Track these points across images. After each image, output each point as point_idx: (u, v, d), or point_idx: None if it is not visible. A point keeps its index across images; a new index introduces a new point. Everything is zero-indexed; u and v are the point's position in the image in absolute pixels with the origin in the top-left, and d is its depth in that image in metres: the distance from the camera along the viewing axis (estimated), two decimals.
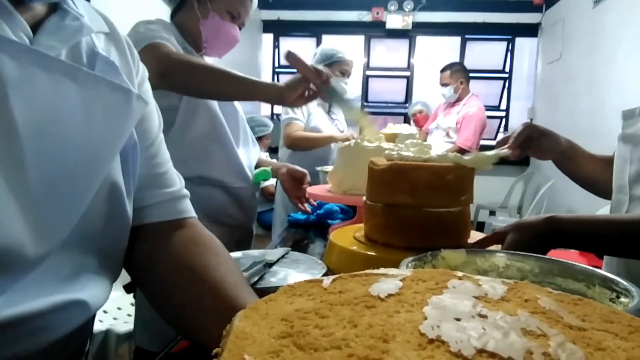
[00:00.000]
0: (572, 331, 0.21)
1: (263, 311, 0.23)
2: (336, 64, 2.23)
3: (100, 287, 0.49)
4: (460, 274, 0.27)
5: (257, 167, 1.47)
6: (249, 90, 1.16)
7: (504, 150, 0.92)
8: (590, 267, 0.60)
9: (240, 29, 1.35)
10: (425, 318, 0.21)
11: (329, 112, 2.35)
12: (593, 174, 0.99)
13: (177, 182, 0.62)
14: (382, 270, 0.27)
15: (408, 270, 0.27)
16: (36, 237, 0.39)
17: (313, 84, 1.16)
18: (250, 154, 1.41)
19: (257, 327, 0.21)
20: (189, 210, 0.62)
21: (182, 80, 1.09)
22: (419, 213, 0.77)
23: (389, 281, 0.25)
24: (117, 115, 0.45)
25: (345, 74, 2.26)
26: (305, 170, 1.49)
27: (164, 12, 1.35)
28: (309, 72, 1.15)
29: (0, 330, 0.38)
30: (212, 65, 1.13)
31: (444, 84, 3.45)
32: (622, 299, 0.53)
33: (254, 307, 0.23)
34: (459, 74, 3.43)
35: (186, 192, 0.63)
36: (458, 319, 0.20)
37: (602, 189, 0.97)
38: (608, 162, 0.94)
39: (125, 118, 0.46)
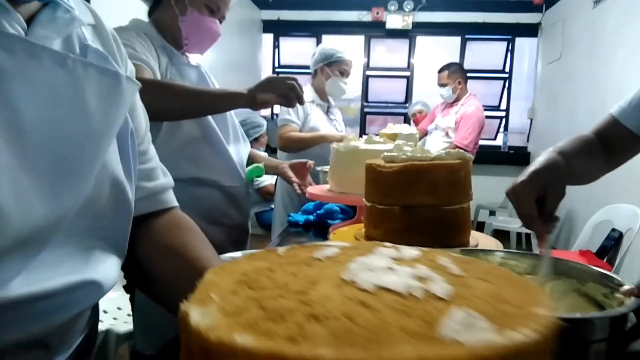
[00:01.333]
0: (452, 277, 0.28)
1: (228, 269, 0.30)
2: (335, 64, 2.22)
3: (110, 268, 0.52)
4: (390, 245, 0.34)
5: (250, 163, 1.46)
6: (225, 102, 1.19)
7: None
8: (584, 265, 0.61)
9: (220, 22, 1.31)
10: (347, 270, 0.28)
11: (327, 113, 2.35)
12: (591, 167, 0.88)
13: (162, 175, 0.67)
14: (328, 243, 0.34)
15: (349, 243, 0.35)
16: (46, 207, 0.41)
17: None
18: (240, 151, 1.39)
19: (222, 279, 0.28)
20: (172, 200, 0.68)
21: (165, 107, 1.11)
22: (438, 212, 0.77)
23: (330, 249, 0.33)
24: (109, 97, 0.47)
25: (344, 73, 2.25)
26: (305, 160, 1.56)
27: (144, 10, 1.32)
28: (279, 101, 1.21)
29: (19, 308, 0.41)
30: (187, 87, 1.15)
31: (441, 85, 3.45)
32: (617, 295, 0.54)
33: (221, 266, 0.31)
34: (456, 74, 3.42)
35: (171, 183, 0.68)
36: (371, 270, 0.28)
37: (602, 168, 0.89)
38: (587, 141, 0.87)
39: (117, 100, 0.49)
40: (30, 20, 0.44)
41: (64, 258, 0.46)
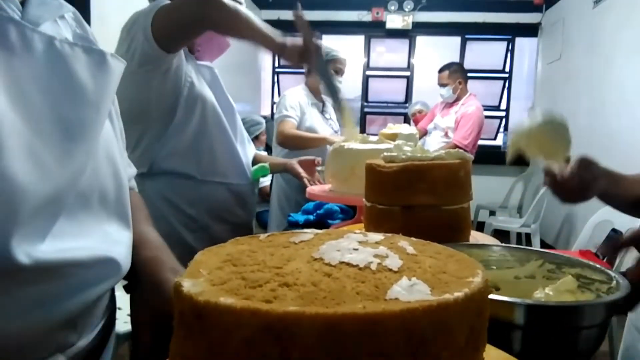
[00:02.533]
0: (406, 255, 0.32)
1: (215, 251, 0.34)
2: (330, 63, 2.21)
3: (125, 249, 0.57)
4: (359, 231, 0.37)
5: (254, 163, 1.49)
6: (262, 36, 1.19)
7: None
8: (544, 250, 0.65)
9: None
10: (318, 250, 0.32)
11: (322, 112, 2.35)
12: None
13: (128, 166, 0.74)
14: (305, 230, 0.39)
15: (324, 231, 0.39)
16: (59, 167, 0.46)
17: (306, 47, 1.22)
18: (246, 151, 1.43)
19: (210, 258, 0.32)
20: (134, 186, 0.79)
21: (228, 19, 1.15)
22: (438, 212, 0.78)
23: (306, 235, 0.37)
24: (98, 71, 0.53)
25: (339, 72, 2.24)
26: (313, 157, 1.63)
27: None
28: (307, 31, 1.22)
29: (52, 279, 0.45)
30: (240, 9, 1.17)
31: (442, 84, 3.45)
32: (597, 285, 0.57)
33: (210, 249, 0.35)
34: (457, 74, 3.42)
35: (135, 172, 0.78)
36: (338, 250, 0.32)
37: None
38: None
39: (106, 73, 0.54)
40: (22, 5, 0.49)
41: (84, 230, 0.51)
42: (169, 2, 1.12)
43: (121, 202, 0.59)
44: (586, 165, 0.81)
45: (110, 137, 0.59)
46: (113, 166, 0.58)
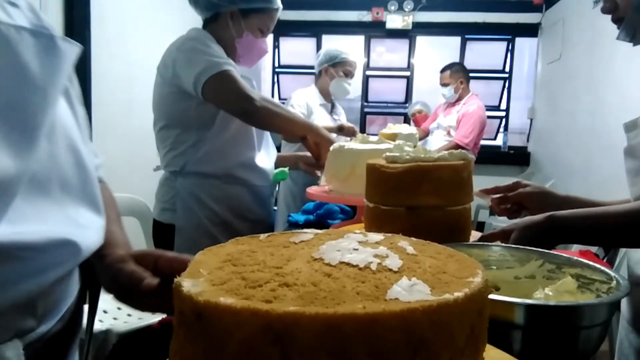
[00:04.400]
0: (406, 255, 0.32)
1: (215, 251, 0.35)
2: (340, 65, 2.26)
3: (89, 232, 0.55)
4: (359, 231, 0.38)
5: (276, 165, 1.62)
6: (303, 128, 1.42)
7: (487, 200, 0.97)
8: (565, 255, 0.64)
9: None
10: (318, 250, 0.32)
11: (331, 113, 2.36)
12: None
13: (95, 156, 0.73)
14: (305, 230, 0.39)
15: (323, 230, 0.39)
16: (2, 154, 0.45)
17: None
18: (270, 156, 1.55)
19: (210, 258, 0.33)
20: (102, 177, 0.75)
21: (262, 122, 1.36)
22: (443, 213, 0.79)
23: (305, 235, 0.37)
24: (46, 55, 0.51)
25: (348, 74, 2.29)
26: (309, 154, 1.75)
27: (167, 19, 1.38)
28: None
29: (7, 260, 0.44)
30: (282, 109, 1.36)
31: (444, 84, 3.46)
32: (597, 285, 0.58)
33: (210, 249, 0.35)
34: (459, 74, 3.43)
35: (102, 162, 0.76)
36: (338, 250, 0.32)
37: None
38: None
39: (55, 57, 0.52)
40: None
41: (43, 214, 0.50)
42: (223, 71, 1.25)
43: (88, 189, 0.58)
44: (532, 197, 0.93)
45: (69, 124, 0.58)
46: (74, 153, 0.57)
